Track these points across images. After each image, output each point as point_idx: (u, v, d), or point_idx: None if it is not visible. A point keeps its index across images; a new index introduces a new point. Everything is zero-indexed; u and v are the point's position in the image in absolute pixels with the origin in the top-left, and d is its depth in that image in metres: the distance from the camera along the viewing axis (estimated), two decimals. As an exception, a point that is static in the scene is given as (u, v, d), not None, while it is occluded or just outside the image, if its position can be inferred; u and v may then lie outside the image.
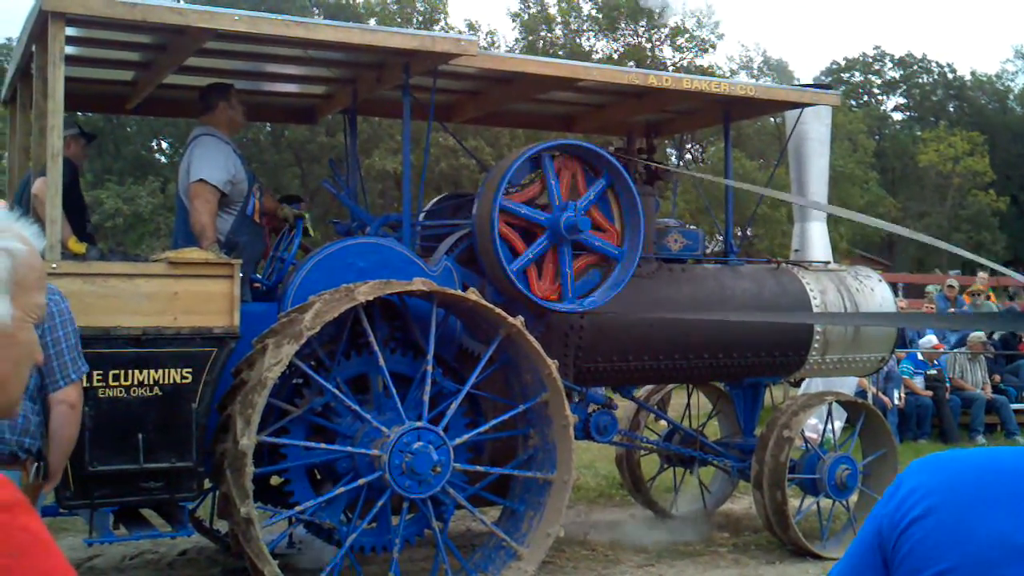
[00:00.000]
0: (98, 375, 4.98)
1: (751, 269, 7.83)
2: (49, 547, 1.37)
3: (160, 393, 5.13)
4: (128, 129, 31.48)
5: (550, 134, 8.37)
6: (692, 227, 7.95)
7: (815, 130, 9.36)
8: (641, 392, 8.59)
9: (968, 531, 1.46)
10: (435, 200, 7.66)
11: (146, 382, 5.09)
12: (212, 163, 6.03)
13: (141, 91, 6.92)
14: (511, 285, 6.20)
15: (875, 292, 8.13)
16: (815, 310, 7.74)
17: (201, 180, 5.97)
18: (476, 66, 6.30)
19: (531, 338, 5.87)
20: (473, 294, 5.78)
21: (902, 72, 54.08)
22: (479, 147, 26.73)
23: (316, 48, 6.00)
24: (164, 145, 34.88)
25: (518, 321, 5.82)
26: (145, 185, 28.58)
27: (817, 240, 9.64)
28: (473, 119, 8.26)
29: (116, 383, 5.03)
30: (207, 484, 5.96)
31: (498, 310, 5.78)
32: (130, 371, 5.06)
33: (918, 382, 13.49)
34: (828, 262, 8.31)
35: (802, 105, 7.66)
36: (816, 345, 7.78)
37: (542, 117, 8.39)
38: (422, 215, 7.21)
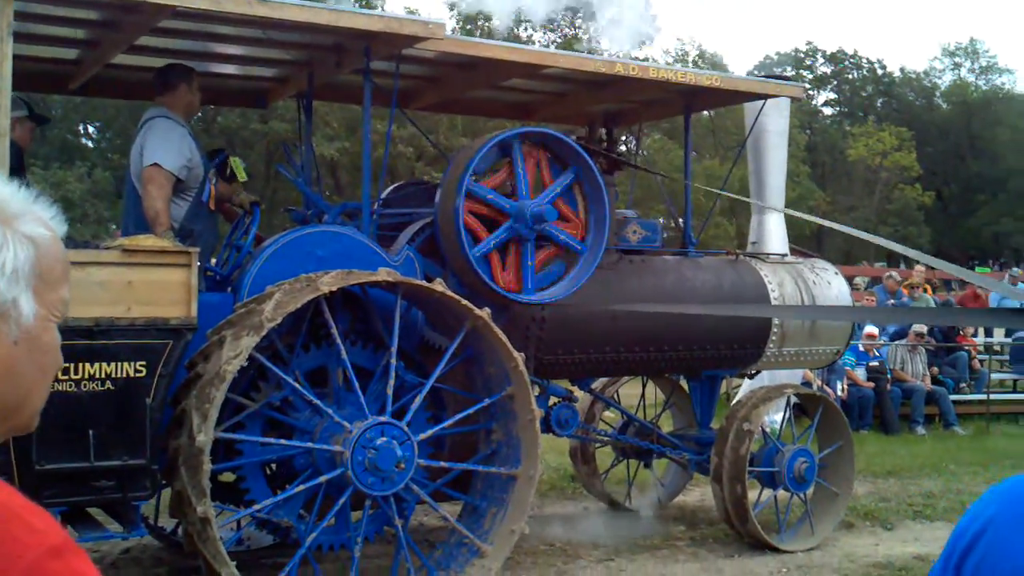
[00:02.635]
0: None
1: (710, 261, 7.76)
2: None
3: (112, 387, 4.87)
4: (53, 113, 30.64)
5: (506, 123, 8.19)
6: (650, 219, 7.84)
7: (774, 122, 9.32)
8: (596, 384, 8.48)
9: (1015, 554, 1.44)
10: (391, 188, 7.45)
11: (98, 376, 4.84)
12: (167, 147, 5.77)
13: (86, 71, 6.62)
14: (474, 275, 6.03)
15: (831, 285, 8.11)
16: (773, 302, 7.68)
17: (155, 164, 5.71)
18: (442, 50, 6.12)
19: (498, 331, 5.71)
20: (440, 285, 5.60)
21: (833, 68, 54.86)
22: (415, 134, 26.43)
23: (276, 29, 5.76)
24: (91, 129, 34.06)
25: (485, 313, 5.67)
26: (72, 170, 27.84)
27: (774, 232, 9.62)
28: (431, 106, 8.06)
29: (66, 377, 4.76)
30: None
31: (465, 302, 5.62)
32: (81, 364, 4.80)
33: (860, 373, 13.61)
34: (785, 254, 8.27)
35: (765, 96, 7.59)
36: (774, 338, 7.74)
37: (501, 105, 8.22)
38: (377, 204, 7.00)
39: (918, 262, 17.54)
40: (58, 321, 1.37)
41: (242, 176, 6.63)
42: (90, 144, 34.13)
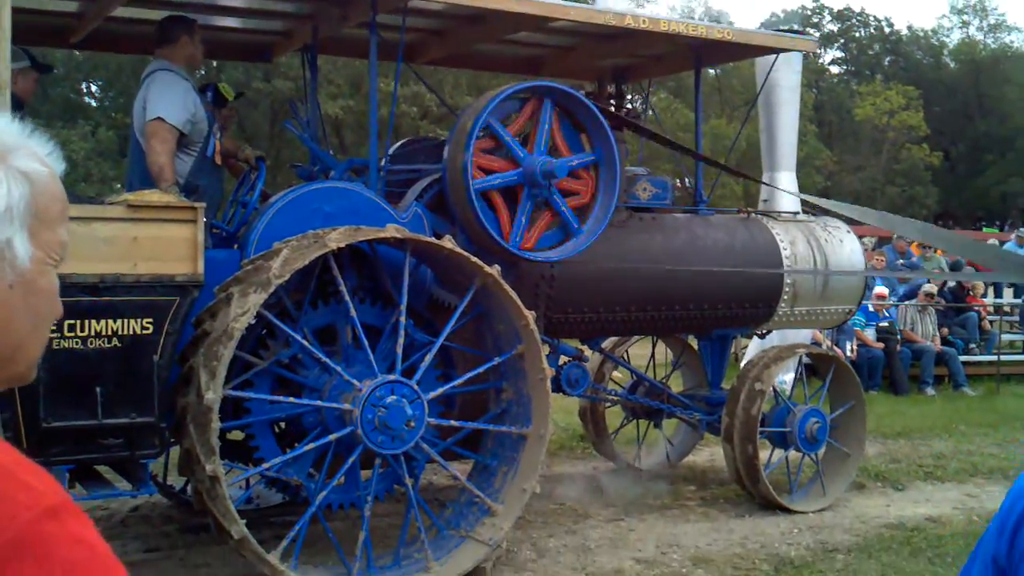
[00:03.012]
0: (52, 325, 4.63)
1: (722, 219, 7.66)
2: (108, 564, 1.12)
3: (119, 344, 4.80)
4: (56, 70, 30.41)
5: (512, 79, 8.05)
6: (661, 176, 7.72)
7: (786, 77, 9.16)
8: (605, 343, 8.40)
9: None
10: (398, 144, 7.33)
11: (104, 333, 4.77)
12: (171, 100, 5.66)
13: (87, 23, 6.49)
14: (482, 229, 5.94)
15: (844, 244, 8.02)
16: (785, 261, 7.59)
17: (159, 118, 5.60)
18: (449, 1, 5.99)
19: (508, 288, 5.63)
20: (448, 242, 5.51)
21: (840, 25, 54.28)
22: (419, 93, 26.20)
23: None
24: (94, 88, 33.81)
25: (494, 270, 5.58)
26: (76, 129, 27.65)
27: (786, 189, 9.49)
28: (437, 60, 7.92)
29: (72, 334, 4.70)
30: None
31: (474, 259, 5.53)
32: (87, 321, 4.72)
33: (869, 334, 13.54)
34: (797, 212, 8.16)
35: (778, 51, 7.45)
36: (785, 297, 7.66)
37: (508, 59, 8.08)
38: (384, 160, 6.89)
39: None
40: (56, 265, 1.26)
41: (230, 96, 6.66)
42: (93, 103, 33.86)
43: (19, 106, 6.22)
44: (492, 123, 5.93)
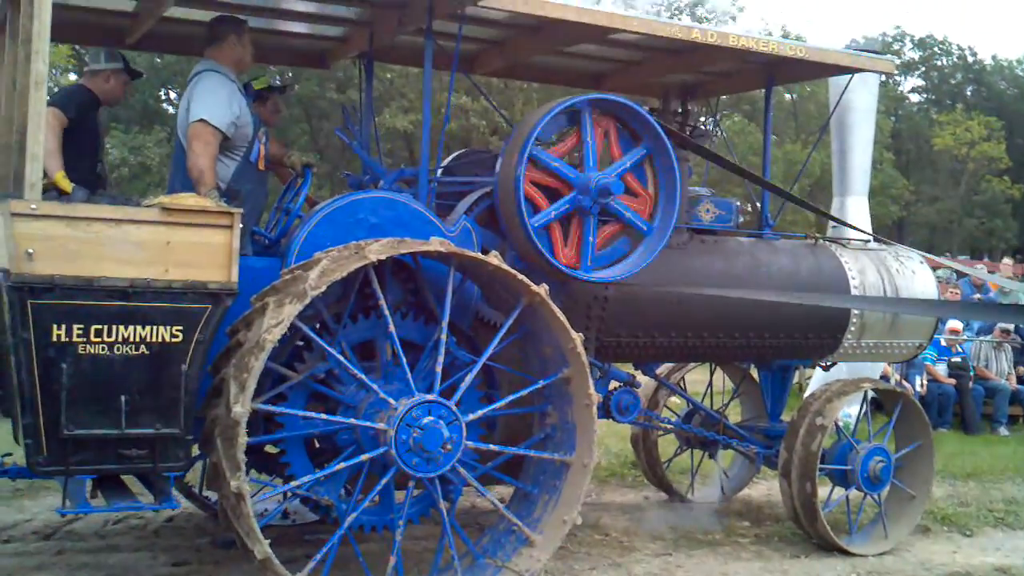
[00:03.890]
0: (79, 329, 4.48)
1: (787, 245, 7.33)
2: None
3: (147, 352, 4.62)
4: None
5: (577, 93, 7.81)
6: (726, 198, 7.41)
7: (861, 98, 8.78)
8: (660, 369, 8.10)
9: None
10: (453, 156, 7.13)
11: (132, 339, 4.59)
12: (215, 102, 5.50)
13: (142, 23, 6.38)
14: (533, 248, 5.70)
15: (916, 275, 7.64)
16: (853, 291, 7.25)
17: (202, 120, 5.45)
18: (508, 9, 5.77)
19: (555, 308, 5.37)
20: (495, 258, 5.27)
21: (921, 53, 53.28)
22: (489, 109, 26.09)
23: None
24: (172, 95, 34.23)
25: (542, 289, 5.33)
26: (152, 135, 28.00)
27: (857, 216, 9.10)
28: (496, 71, 7.71)
29: (98, 339, 4.53)
30: (196, 451, 5.47)
31: (521, 276, 5.28)
32: (114, 326, 4.55)
33: (941, 369, 13.05)
34: (868, 240, 7.79)
35: (854, 71, 7.11)
36: (852, 328, 7.31)
37: (569, 72, 7.85)
38: (439, 171, 6.68)
39: (1002, 256, 16.83)
40: None
41: (261, 84, 6.74)
42: (171, 109, 34.29)
43: (95, 104, 6.26)
44: (535, 154, 5.69)
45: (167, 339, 4.66)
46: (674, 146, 6.14)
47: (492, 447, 5.52)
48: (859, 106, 8.88)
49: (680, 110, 7.49)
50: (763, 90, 7.56)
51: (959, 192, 44.92)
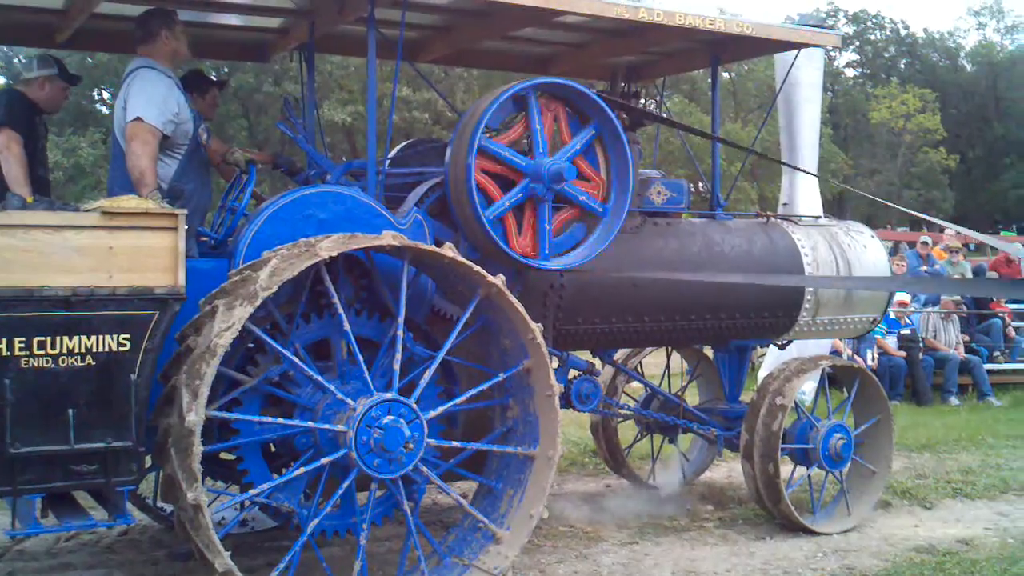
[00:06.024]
0: (21, 342, 4.30)
1: (740, 224, 7.29)
2: None
3: (93, 363, 4.45)
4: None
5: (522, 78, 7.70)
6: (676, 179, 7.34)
7: (807, 74, 8.77)
8: (617, 355, 8.02)
9: None
10: (400, 147, 6.98)
11: (77, 350, 4.42)
12: (151, 100, 5.31)
13: (72, 21, 6.15)
14: (487, 238, 5.58)
15: (867, 249, 7.63)
16: (806, 268, 7.23)
17: (139, 119, 5.25)
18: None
19: (513, 299, 5.27)
20: (449, 250, 5.15)
21: (855, 28, 53.88)
22: (432, 99, 25.87)
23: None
24: (106, 95, 33.55)
25: (499, 280, 5.22)
26: (86, 136, 27.42)
27: (807, 192, 9.09)
28: (441, 58, 7.57)
29: (42, 351, 4.35)
30: (149, 463, 5.29)
31: (477, 268, 5.17)
32: (58, 338, 4.38)
33: (891, 342, 13.14)
34: (818, 216, 7.77)
35: (799, 46, 7.07)
36: (807, 306, 7.29)
37: (516, 58, 7.73)
38: (387, 163, 6.53)
39: (943, 229, 17.00)
40: None
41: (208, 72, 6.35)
42: (104, 110, 33.58)
43: (29, 111, 5.92)
44: (484, 144, 5.57)
45: (114, 348, 4.50)
46: (625, 128, 6.06)
47: (455, 444, 5.40)
48: (806, 81, 8.86)
49: (627, 91, 7.39)
50: (704, 70, 7.50)
51: (897, 164, 45.52)
